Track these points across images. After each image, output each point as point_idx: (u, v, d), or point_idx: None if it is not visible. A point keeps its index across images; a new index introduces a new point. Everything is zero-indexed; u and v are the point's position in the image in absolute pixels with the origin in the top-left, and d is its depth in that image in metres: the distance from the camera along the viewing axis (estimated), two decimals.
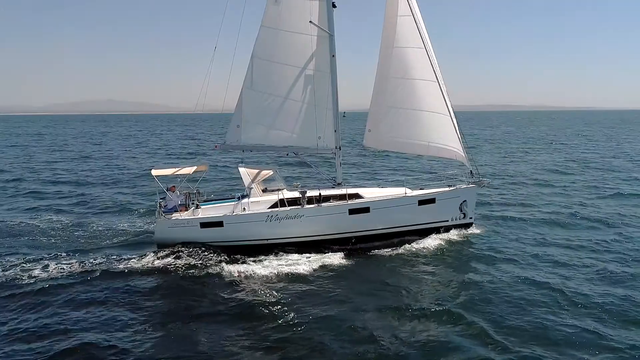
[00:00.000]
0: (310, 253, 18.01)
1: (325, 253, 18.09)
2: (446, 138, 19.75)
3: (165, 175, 19.03)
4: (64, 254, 17.97)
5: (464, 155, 20.03)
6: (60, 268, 16.50)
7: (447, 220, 20.10)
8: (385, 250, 18.59)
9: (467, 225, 20.50)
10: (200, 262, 17.26)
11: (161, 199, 19.34)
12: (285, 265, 17.03)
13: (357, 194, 19.24)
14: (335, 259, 17.61)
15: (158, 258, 17.50)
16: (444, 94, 19.69)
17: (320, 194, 18.78)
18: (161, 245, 18.57)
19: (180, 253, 17.69)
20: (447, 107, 19.68)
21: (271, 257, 17.77)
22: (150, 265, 17.05)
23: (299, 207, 18.45)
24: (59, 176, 38.66)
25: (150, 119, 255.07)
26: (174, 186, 19.66)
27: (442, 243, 19.12)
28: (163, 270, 16.70)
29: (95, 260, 17.38)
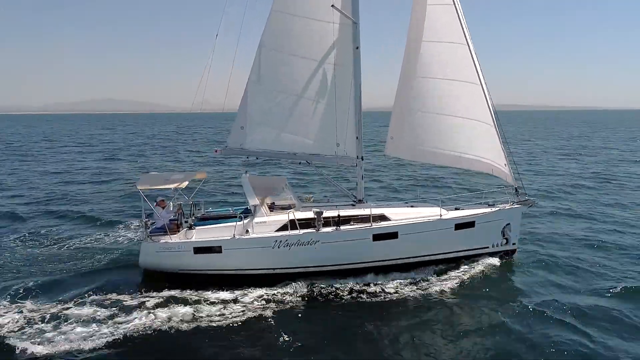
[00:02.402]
0: (319, 283, 15.67)
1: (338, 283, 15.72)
2: (483, 149, 17.43)
3: (154, 189, 16.39)
4: (31, 285, 15.54)
5: (504, 170, 17.56)
6: (29, 309, 13.87)
7: (487, 247, 17.69)
8: (405, 280, 16.06)
9: (510, 253, 18.03)
10: (195, 295, 14.77)
11: (148, 215, 16.69)
12: (288, 297, 14.76)
13: (383, 215, 16.66)
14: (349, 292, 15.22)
15: (143, 291, 15.08)
16: (487, 98, 17.20)
17: (339, 214, 16.09)
18: (149, 270, 16.26)
19: (171, 282, 15.44)
20: (491, 114, 17.22)
21: (274, 288, 15.38)
22: (132, 300, 14.51)
23: (313, 230, 15.88)
24: (27, 184, 35.82)
25: (147, 118, 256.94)
26: (163, 200, 17.09)
27: (476, 275, 16.51)
28: (148, 307, 14.14)
29: (67, 294, 15.01)
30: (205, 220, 16.91)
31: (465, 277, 16.14)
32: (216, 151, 18.52)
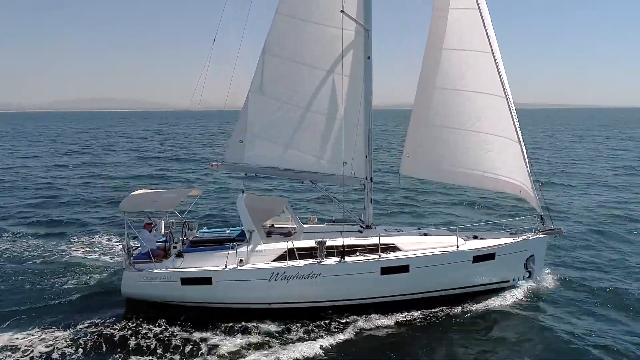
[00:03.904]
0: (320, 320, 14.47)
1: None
2: (509, 169, 16.39)
3: (140, 212, 15.20)
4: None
5: (531, 193, 16.42)
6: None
7: (509, 281, 16.53)
8: (412, 315, 14.99)
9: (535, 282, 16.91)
10: (183, 330, 13.66)
11: (132, 239, 15.44)
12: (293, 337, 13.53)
13: (393, 245, 15.44)
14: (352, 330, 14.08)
15: (126, 320, 14.10)
16: (512, 112, 16.15)
17: (343, 244, 14.83)
18: (132, 299, 15.17)
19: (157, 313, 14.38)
20: (516, 129, 16.16)
21: (269, 322, 14.26)
22: (113, 332, 13.46)
23: (314, 262, 14.66)
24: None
25: (147, 117, 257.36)
26: (149, 223, 15.85)
27: (495, 306, 15.53)
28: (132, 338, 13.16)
29: (41, 325, 13.87)
30: (196, 244, 15.70)
31: (477, 309, 15.31)
32: (212, 165, 17.35)
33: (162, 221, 16.48)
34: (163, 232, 16.40)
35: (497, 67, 15.88)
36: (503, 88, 15.92)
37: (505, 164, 16.33)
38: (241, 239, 15.35)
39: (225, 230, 17.15)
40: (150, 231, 15.73)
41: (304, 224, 17.34)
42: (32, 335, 13.19)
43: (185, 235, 16.26)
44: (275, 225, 16.64)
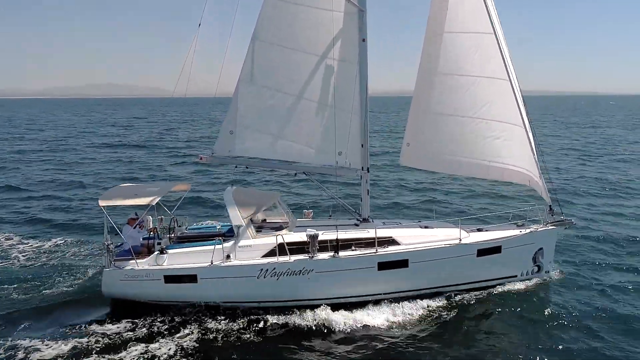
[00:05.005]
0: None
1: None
2: (516, 157, 15.93)
3: (120, 206, 14.68)
4: None
5: (539, 182, 15.91)
6: None
7: (516, 276, 16.07)
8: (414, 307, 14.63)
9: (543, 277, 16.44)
10: (168, 332, 13.24)
11: (114, 235, 14.92)
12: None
13: (391, 238, 14.99)
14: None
15: (108, 322, 13.74)
16: (518, 97, 15.62)
17: (337, 237, 14.32)
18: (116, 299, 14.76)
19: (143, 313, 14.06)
20: (521, 114, 15.66)
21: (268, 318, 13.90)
22: (94, 334, 13.08)
23: (306, 257, 14.19)
24: None
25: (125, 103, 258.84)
26: (133, 218, 15.33)
27: (501, 303, 15.08)
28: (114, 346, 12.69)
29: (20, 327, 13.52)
30: (182, 240, 15.20)
31: (481, 306, 14.89)
32: (200, 158, 16.79)
33: (150, 217, 15.97)
34: (151, 226, 15.89)
35: (501, 49, 15.42)
36: (507, 71, 15.45)
37: (512, 152, 15.87)
38: (230, 234, 14.93)
39: (215, 227, 16.70)
40: (134, 227, 15.19)
41: (298, 219, 16.84)
42: (7, 341, 12.74)
43: (173, 231, 15.81)
44: (268, 220, 16.14)
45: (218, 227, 16.41)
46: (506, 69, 15.46)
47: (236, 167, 16.93)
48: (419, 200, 28.09)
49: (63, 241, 20.56)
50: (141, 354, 12.23)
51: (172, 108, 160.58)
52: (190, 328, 13.37)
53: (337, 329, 13.35)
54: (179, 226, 16.45)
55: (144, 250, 14.74)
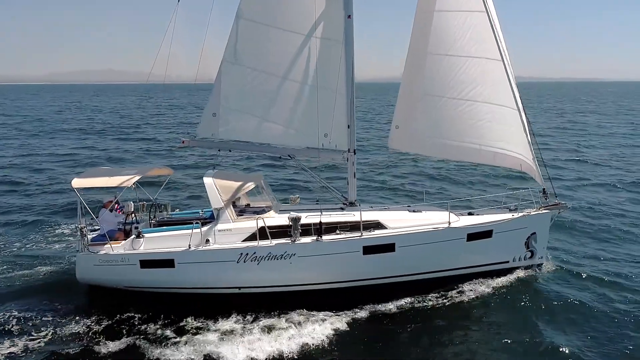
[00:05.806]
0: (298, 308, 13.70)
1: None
2: (508, 140, 15.72)
3: (95, 187, 14.40)
4: None
5: (532, 165, 15.74)
6: None
7: (508, 262, 15.86)
8: (405, 301, 14.33)
9: (536, 267, 16.25)
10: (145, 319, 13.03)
11: (90, 219, 14.66)
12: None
13: (378, 222, 14.75)
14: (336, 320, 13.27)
15: (85, 314, 13.41)
16: (511, 78, 15.35)
17: (320, 221, 14.08)
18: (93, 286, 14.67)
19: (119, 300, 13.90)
20: (514, 97, 15.39)
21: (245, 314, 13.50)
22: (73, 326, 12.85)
23: (288, 241, 13.97)
24: None
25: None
26: (110, 201, 15.05)
27: (491, 290, 14.99)
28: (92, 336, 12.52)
29: None
30: (161, 225, 14.95)
31: (477, 295, 14.71)
32: (183, 142, 16.62)
33: (132, 202, 15.73)
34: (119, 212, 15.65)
35: (494, 28, 15.07)
36: (499, 50, 15.13)
37: (504, 135, 15.66)
38: (212, 219, 14.70)
39: (198, 212, 16.52)
40: (112, 210, 14.91)
41: (284, 204, 16.61)
42: None
43: (154, 216, 15.57)
44: (251, 205, 15.90)
45: (201, 212, 16.22)
46: (499, 49, 15.15)
47: (219, 150, 16.62)
48: (408, 184, 27.90)
49: (39, 226, 20.36)
50: (114, 343, 12.03)
51: (170, 95, 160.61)
52: (166, 316, 13.10)
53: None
54: (161, 212, 16.23)
55: (120, 235, 14.50)
